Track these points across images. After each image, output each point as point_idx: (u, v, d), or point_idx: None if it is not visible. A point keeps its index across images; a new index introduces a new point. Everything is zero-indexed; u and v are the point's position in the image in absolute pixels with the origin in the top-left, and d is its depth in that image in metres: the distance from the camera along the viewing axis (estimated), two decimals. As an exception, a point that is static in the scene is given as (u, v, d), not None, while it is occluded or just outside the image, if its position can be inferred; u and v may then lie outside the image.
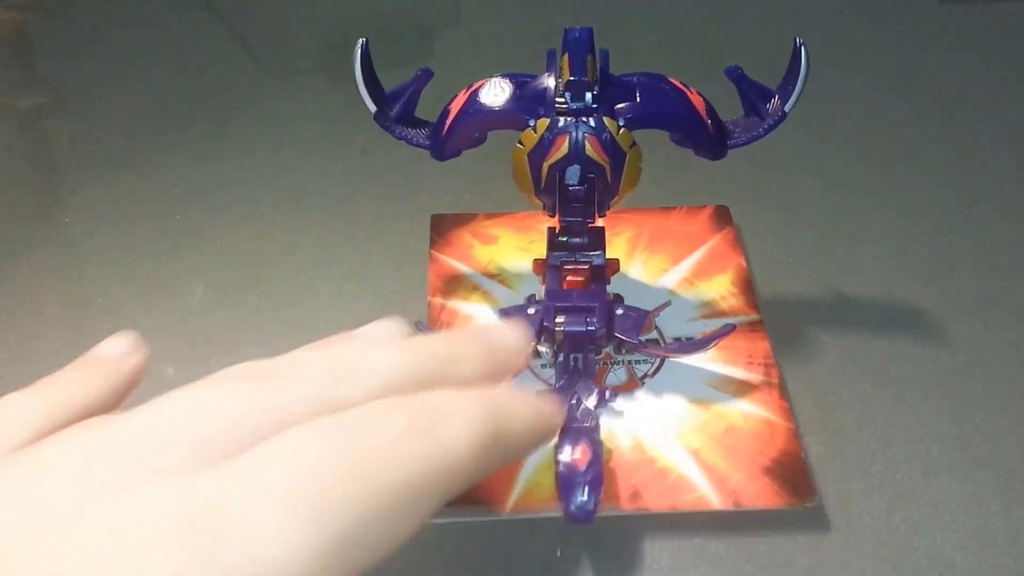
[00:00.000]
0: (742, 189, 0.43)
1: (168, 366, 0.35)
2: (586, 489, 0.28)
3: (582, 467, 0.29)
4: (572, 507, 0.28)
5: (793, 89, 0.32)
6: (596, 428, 0.30)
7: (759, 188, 0.43)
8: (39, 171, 0.46)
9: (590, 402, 0.31)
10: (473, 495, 0.30)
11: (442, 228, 0.40)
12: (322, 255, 0.40)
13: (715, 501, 0.30)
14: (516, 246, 0.39)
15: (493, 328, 0.25)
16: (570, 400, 0.31)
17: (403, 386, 0.21)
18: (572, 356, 0.32)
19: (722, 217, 0.41)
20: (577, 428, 0.30)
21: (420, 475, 0.19)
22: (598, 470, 0.29)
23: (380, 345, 0.23)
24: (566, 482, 0.29)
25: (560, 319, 0.32)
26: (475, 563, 0.29)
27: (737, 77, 0.33)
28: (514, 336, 0.24)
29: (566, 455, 0.29)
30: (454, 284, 0.38)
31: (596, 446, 0.29)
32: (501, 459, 0.23)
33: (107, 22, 0.55)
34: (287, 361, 0.21)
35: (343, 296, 0.38)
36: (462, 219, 0.41)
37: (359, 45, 0.34)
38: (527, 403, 0.23)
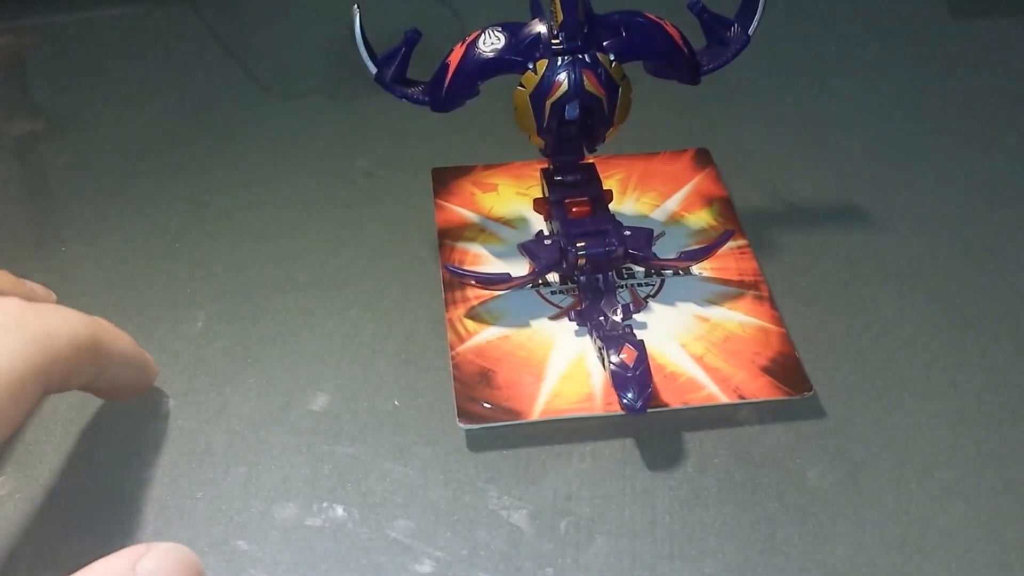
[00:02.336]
0: (718, 134, 0.46)
1: (168, 397, 0.35)
2: (635, 386, 0.31)
3: (631, 364, 0.32)
4: (624, 402, 0.31)
5: (753, 15, 0.36)
6: (632, 332, 0.33)
7: (735, 133, 0.46)
8: (35, 199, 0.45)
9: (616, 316, 0.34)
10: (502, 406, 0.33)
11: (444, 179, 0.43)
12: (326, 282, 0.39)
13: (721, 397, 0.33)
14: (515, 192, 0.42)
15: None
16: (598, 316, 0.34)
17: None
18: (595, 277, 0.35)
19: (703, 158, 0.44)
20: (615, 335, 0.33)
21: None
22: (644, 367, 0.32)
23: None
24: (620, 380, 0.32)
25: (581, 244, 0.35)
26: (509, 459, 0.32)
27: (699, 10, 0.37)
28: None
29: (615, 358, 0.32)
30: (461, 228, 0.40)
31: (638, 346, 0.32)
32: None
33: (103, 47, 0.54)
34: None
35: (347, 323, 0.37)
36: (462, 171, 0.43)
37: (356, 12, 0.36)
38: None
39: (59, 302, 0.35)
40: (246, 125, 0.48)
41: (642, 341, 0.33)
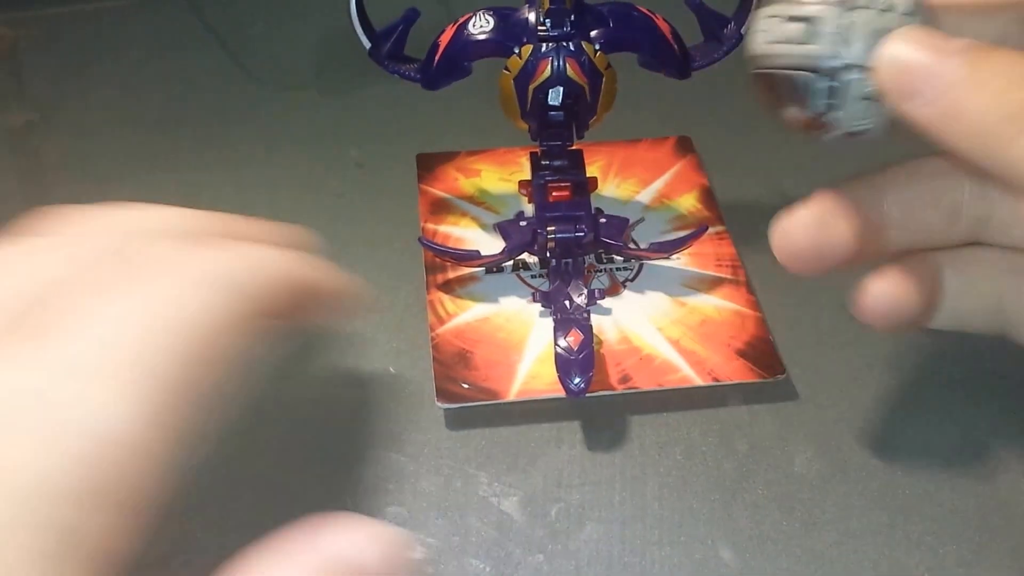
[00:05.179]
0: (701, 123, 0.46)
1: None
2: (576, 369, 0.32)
3: (575, 348, 0.32)
4: (569, 385, 0.32)
5: (748, 13, 0.36)
6: (587, 319, 0.34)
7: (717, 122, 0.47)
8: (30, 189, 0.45)
9: (580, 300, 0.35)
10: (479, 386, 0.34)
11: (429, 165, 0.43)
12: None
13: (696, 379, 0.34)
14: (498, 177, 0.42)
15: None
16: (563, 299, 0.35)
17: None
18: (563, 261, 0.36)
19: (685, 145, 0.44)
20: (569, 319, 0.33)
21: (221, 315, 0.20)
22: (588, 351, 0.32)
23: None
24: (563, 363, 0.32)
25: (551, 228, 0.35)
26: (499, 446, 0.33)
27: (696, 6, 0.37)
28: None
29: (562, 342, 0.33)
30: (444, 211, 0.41)
31: (586, 331, 0.33)
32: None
33: (98, 39, 0.55)
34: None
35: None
36: (446, 156, 0.44)
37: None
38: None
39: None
40: (239, 116, 0.49)
41: (590, 326, 0.33)
